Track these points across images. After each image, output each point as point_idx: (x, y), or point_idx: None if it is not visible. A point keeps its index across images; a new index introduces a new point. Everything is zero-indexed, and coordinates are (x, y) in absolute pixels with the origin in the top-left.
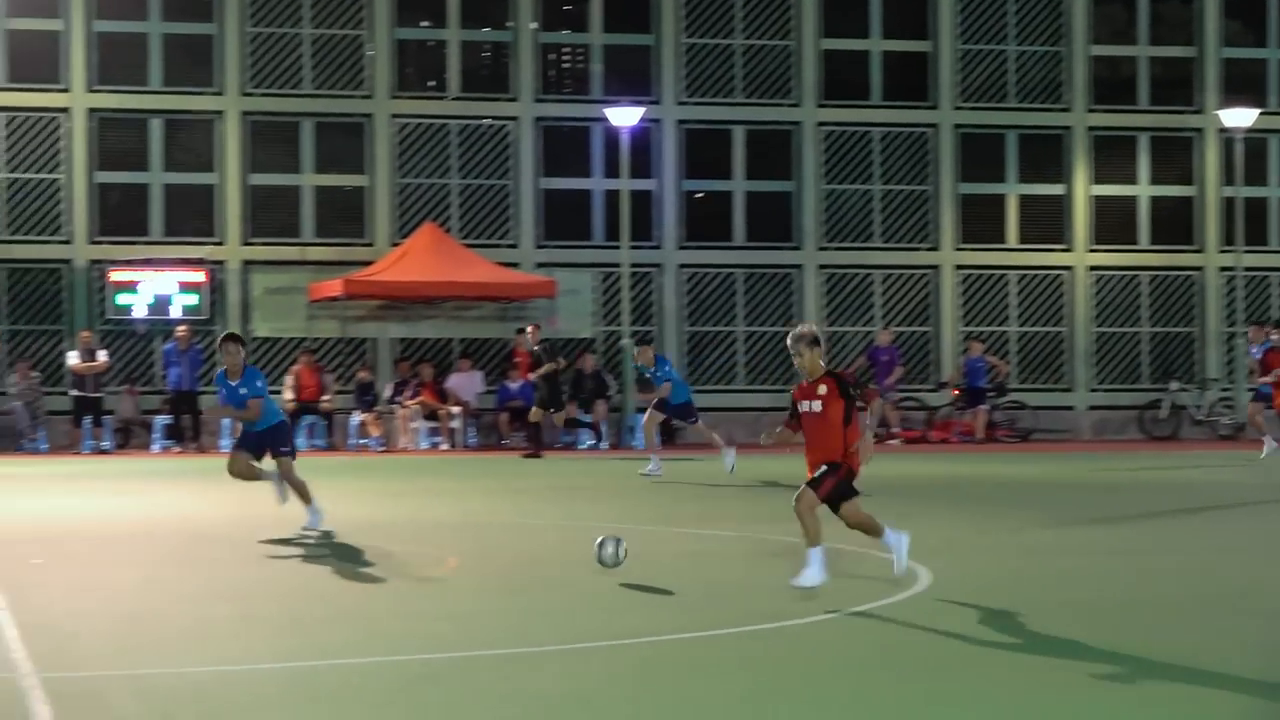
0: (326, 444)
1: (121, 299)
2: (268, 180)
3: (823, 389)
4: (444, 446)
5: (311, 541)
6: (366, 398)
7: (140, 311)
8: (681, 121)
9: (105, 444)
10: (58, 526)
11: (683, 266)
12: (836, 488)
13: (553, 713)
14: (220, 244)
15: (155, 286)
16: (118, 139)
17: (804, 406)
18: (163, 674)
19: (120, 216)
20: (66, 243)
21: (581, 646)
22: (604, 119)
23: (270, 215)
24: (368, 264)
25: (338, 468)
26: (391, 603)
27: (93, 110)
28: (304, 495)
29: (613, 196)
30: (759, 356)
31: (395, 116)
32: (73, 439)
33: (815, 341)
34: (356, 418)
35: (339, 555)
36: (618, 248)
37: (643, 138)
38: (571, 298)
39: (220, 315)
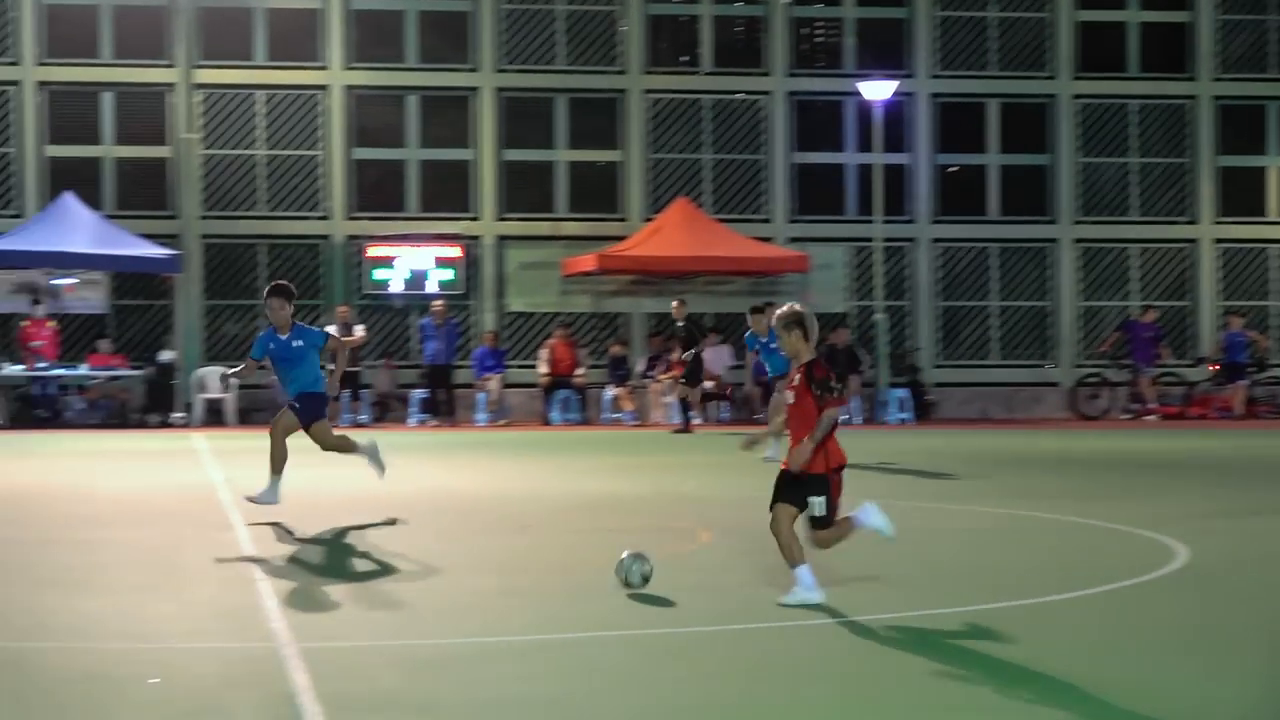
0: (580, 418)
1: (378, 274)
2: (522, 156)
3: (796, 378)
4: (696, 421)
5: (567, 515)
6: (619, 372)
7: (397, 286)
8: (935, 95)
9: (363, 417)
10: (315, 499)
11: (936, 241)
12: (837, 506)
13: (782, 686)
14: (475, 219)
15: (411, 261)
16: (374, 115)
17: (785, 396)
18: (421, 645)
19: (377, 192)
20: (325, 218)
21: (817, 623)
22: (857, 93)
23: (524, 191)
24: (620, 239)
25: (591, 441)
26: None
27: (350, 87)
28: (276, 463)
29: (865, 171)
30: (1013, 332)
31: (648, 92)
32: (331, 412)
33: (796, 323)
34: (610, 392)
35: (594, 529)
36: (871, 222)
37: (896, 111)
38: (824, 272)
39: (476, 290)
